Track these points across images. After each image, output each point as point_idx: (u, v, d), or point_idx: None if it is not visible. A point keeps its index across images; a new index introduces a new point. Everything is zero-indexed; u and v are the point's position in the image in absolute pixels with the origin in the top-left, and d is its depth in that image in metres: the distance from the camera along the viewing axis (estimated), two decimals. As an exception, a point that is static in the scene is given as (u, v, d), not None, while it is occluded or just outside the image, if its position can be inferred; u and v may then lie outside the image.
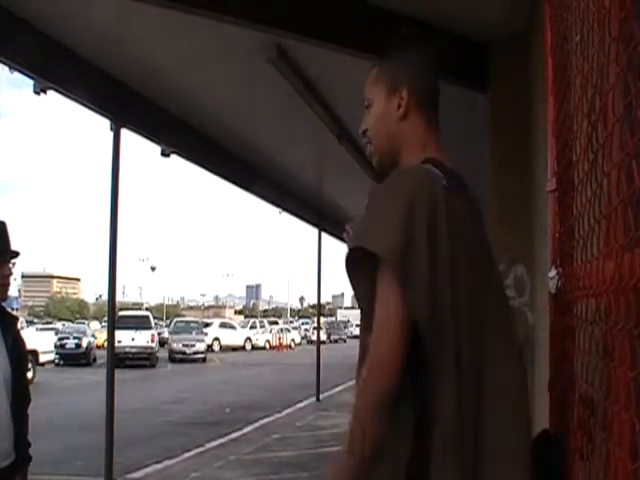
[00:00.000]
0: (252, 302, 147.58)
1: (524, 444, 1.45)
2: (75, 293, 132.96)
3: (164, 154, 7.82)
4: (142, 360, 24.45)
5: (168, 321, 49.66)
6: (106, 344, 7.63)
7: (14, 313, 3.18)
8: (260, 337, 41.18)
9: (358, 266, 1.47)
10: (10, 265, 2.83)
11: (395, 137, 1.63)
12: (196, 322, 34.35)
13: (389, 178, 1.52)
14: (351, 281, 1.50)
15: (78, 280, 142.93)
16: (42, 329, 28.97)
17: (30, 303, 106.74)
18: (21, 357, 2.85)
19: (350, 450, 1.42)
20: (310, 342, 42.75)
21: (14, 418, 2.68)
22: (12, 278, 2.88)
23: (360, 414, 1.41)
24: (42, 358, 19.88)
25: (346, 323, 56.75)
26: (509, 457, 1.42)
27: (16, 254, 2.85)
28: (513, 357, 1.51)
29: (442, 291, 1.40)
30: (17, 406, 2.71)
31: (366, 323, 1.49)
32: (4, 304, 2.88)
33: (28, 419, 2.83)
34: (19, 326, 3.06)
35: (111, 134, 6.34)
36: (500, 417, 1.44)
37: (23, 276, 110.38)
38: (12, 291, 3.03)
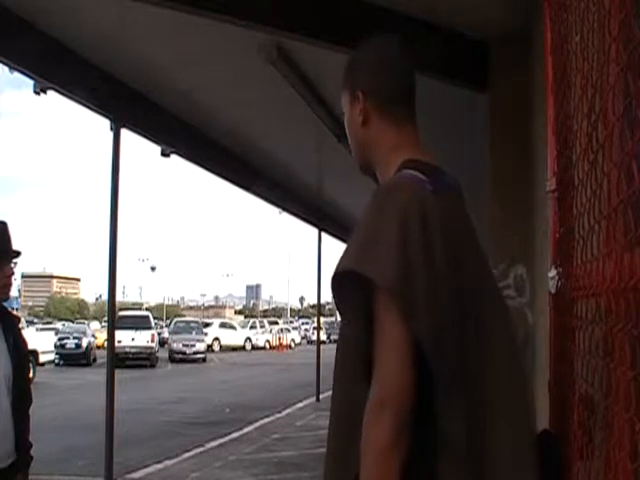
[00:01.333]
0: (252, 302, 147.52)
1: (528, 445, 1.44)
2: (75, 293, 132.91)
3: (164, 154, 7.83)
4: (142, 360, 24.46)
5: (168, 321, 49.66)
6: (106, 344, 7.64)
7: (14, 313, 3.18)
8: (260, 337, 41.20)
9: (347, 286, 1.39)
10: (12, 265, 2.83)
11: (363, 143, 1.56)
12: (196, 322, 34.37)
13: (375, 194, 1.43)
14: (337, 298, 1.43)
15: (78, 280, 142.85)
16: (42, 329, 28.95)
17: (30, 303, 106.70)
18: (22, 357, 2.84)
19: None
20: (310, 342, 42.75)
21: (15, 418, 2.68)
22: (13, 278, 2.88)
23: (369, 458, 1.32)
24: (42, 358, 19.90)
25: (346, 323, 56.60)
26: (515, 466, 1.39)
27: (17, 254, 2.85)
28: (513, 358, 1.50)
29: (444, 306, 1.35)
30: (18, 406, 2.71)
31: (344, 339, 1.45)
32: (5, 304, 2.88)
33: (29, 420, 2.83)
34: (20, 326, 3.06)
35: (111, 134, 6.35)
36: (505, 423, 1.41)
37: (23, 276, 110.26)
38: (12, 291, 3.02)
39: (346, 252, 1.40)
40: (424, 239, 1.34)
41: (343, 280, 1.39)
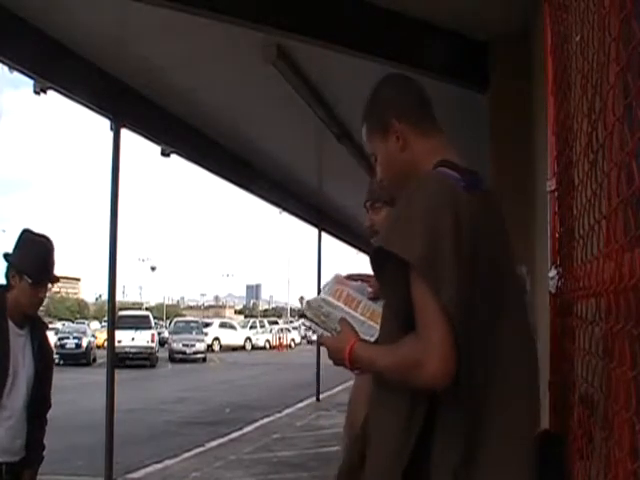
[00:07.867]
0: (252, 302, 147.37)
1: (526, 440, 1.44)
2: (75, 293, 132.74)
3: (164, 154, 7.83)
4: (142, 360, 24.43)
5: (168, 321, 49.62)
6: (106, 344, 7.63)
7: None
8: (260, 337, 41.17)
9: (385, 265, 1.50)
10: (48, 287, 2.86)
11: (406, 169, 1.65)
12: (196, 322, 34.33)
13: (410, 186, 1.53)
14: (377, 277, 1.56)
15: (78, 280, 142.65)
16: (42, 329, 28.92)
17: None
18: (47, 362, 2.90)
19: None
20: (310, 342, 42.69)
21: (31, 421, 2.74)
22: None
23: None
24: (42, 358, 19.84)
25: (346, 323, 56.52)
26: (510, 459, 1.41)
27: (56, 280, 2.89)
28: (525, 354, 1.51)
29: (466, 291, 1.40)
30: (37, 409, 2.78)
31: (388, 314, 1.55)
32: None
33: (47, 423, 2.88)
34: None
35: (111, 134, 6.35)
36: (504, 421, 1.43)
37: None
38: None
39: (383, 234, 1.56)
40: (452, 226, 1.41)
41: (378, 259, 1.50)
